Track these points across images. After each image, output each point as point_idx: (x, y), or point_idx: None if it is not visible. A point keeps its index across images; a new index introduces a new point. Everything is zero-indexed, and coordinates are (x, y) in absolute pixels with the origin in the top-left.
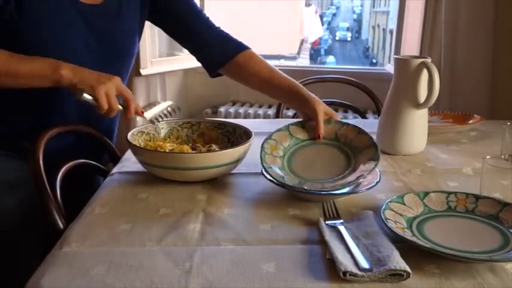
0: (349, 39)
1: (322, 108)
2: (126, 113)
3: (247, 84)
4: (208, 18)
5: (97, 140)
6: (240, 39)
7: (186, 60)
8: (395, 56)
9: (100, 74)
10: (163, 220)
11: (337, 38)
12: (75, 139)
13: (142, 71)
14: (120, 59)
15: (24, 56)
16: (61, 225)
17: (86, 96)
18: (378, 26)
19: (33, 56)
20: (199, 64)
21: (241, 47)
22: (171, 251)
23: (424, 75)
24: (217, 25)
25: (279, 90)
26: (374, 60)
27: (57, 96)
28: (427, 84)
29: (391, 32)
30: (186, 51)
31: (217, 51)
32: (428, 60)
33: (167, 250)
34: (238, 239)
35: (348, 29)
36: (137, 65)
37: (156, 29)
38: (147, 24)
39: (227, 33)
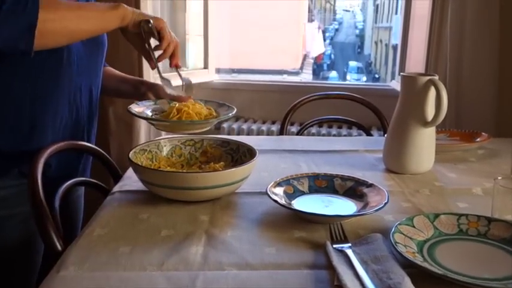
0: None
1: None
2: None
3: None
4: None
5: (98, 156)
6: (243, 55)
7: (190, 75)
8: (402, 74)
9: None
10: (165, 242)
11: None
12: (74, 156)
13: None
14: (102, 51)
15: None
16: (59, 247)
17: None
18: (381, 41)
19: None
20: (203, 79)
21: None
22: (173, 275)
23: (432, 92)
24: None
25: (127, 83)
26: (377, 76)
27: (40, 111)
28: (435, 102)
29: (393, 47)
30: (190, 66)
31: None
32: (436, 77)
33: (168, 275)
34: (242, 263)
35: (359, 70)
36: None
37: None
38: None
39: None
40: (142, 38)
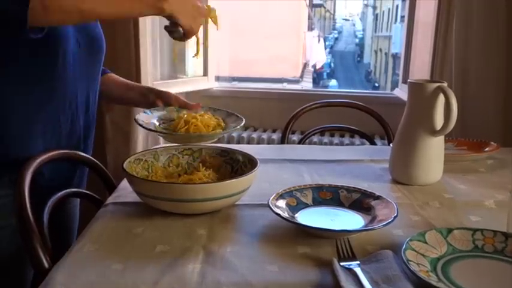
0: None
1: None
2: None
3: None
4: None
5: (92, 167)
6: (243, 64)
7: (189, 83)
8: (409, 80)
9: (197, 6)
10: (160, 259)
11: None
12: (68, 165)
13: None
14: (100, 57)
15: None
16: (46, 265)
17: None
18: (380, 50)
19: None
20: (202, 87)
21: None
22: None
23: (441, 100)
24: None
25: (133, 91)
26: (376, 84)
27: (31, 119)
28: (444, 110)
29: (393, 56)
30: (189, 73)
31: None
32: (445, 84)
33: None
34: (243, 282)
35: None
36: None
37: (158, 51)
38: (148, 45)
39: None
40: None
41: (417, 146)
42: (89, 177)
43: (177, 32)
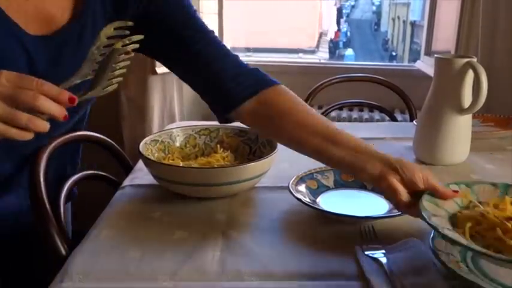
0: None
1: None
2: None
3: (279, 137)
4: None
5: (106, 147)
6: (259, 34)
7: None
8: (436, 56)
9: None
10: (178, 246)
11: None
12: (79, 148)
13: (158, 69)
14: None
15: None
16: (63, 252)
17: None
18: (398, 17)
19: None
20: None
21: (268, 82)
22: (186, 287)
23: (469, 76)
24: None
25: (337, 148)
26: (394, 53)
27: None
28: (473, 87)
29: (411, 23)
30: None
31: (234, 85)
32: (474, 59)
33: (181, 286)
34: (264, 272)
35: None
36: (153, 64)
37: None
38: None
39: (246, 64)
40: None
41: (443, 125)
42: (107, 159)
43: None
